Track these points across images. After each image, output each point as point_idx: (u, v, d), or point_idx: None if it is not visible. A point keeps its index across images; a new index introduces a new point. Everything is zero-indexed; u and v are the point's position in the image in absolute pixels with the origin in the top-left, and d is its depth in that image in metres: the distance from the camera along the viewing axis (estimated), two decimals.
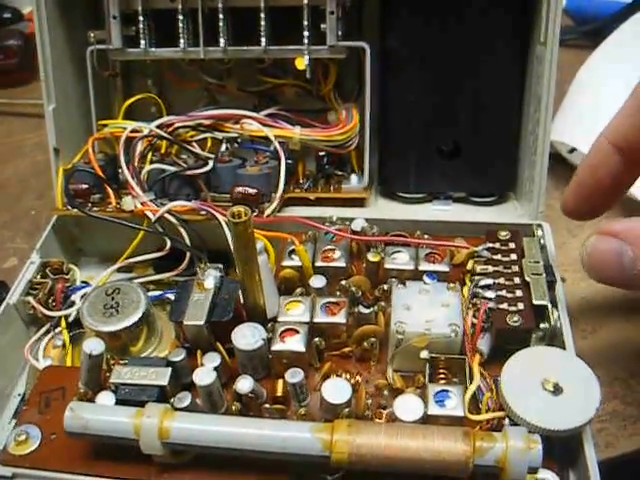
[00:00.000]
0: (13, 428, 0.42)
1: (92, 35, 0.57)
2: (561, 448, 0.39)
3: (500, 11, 0.54)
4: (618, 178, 0.44)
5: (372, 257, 0.47)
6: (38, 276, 0.53)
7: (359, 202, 0.57)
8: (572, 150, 0.67)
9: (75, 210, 0.54)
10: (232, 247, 0.42)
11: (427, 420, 0.38)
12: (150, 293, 0.50)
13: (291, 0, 0.54)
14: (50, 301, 0.51)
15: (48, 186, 0.68)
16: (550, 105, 0.51)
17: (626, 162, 0.43)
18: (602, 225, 0.41)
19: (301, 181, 0.59)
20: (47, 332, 0.50)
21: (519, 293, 0.44)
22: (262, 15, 0.54)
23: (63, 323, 0.50)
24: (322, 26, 0.53)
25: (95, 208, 0.55)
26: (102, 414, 0.38)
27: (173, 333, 0.47)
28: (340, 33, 0.54)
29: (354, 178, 0.58)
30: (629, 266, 0.38)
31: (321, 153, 0.58)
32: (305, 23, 0.54)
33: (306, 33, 0.54)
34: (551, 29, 0.50)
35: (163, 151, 0.58)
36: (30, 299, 0.51)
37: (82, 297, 0.51)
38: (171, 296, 0.51)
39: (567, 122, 0.67)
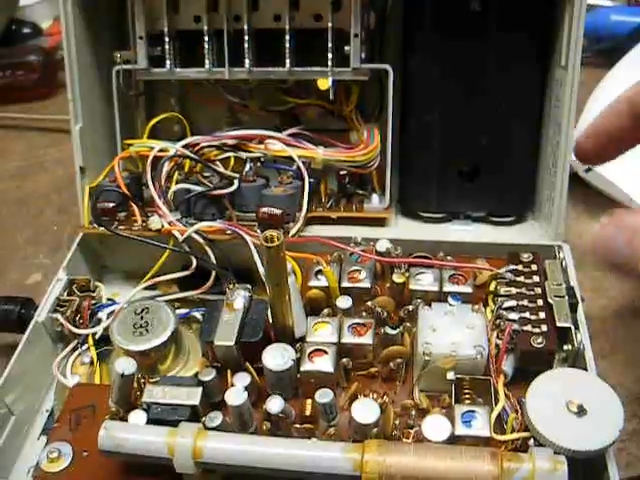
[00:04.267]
0: (45, 445, 0.42)
1: (118, 55, 0.58)
2: (584, 469, 0.39)
3: (521, 34, 0.54)
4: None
5: (397, 278, 0.48)
6: (65, 293, 0.53)
7: (380, 221, 0.58)
8: (588, 169, 0.67)
9: (102, 228, 0.54)
10: (263, 269, 0.43)
11: (454, 440, 0.39)
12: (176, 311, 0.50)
13: (315, 23, 0.55)
14: (77, 318, 0.52)
15: (70, 201, 0.69)
16: (571, 128, 0.52)
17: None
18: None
19: (323, 200, 0.59)
20: (74, 349, 0.51)
21: (542, 315, 0.45)
22: (287, 37, 0.55)
23: (90, 340, 0.51)
24: (346, 48, 0.54)
25: (121, 226, 0.55)
26: (137, 434, 0.39)
27: (200, 351, 0.48)
28: (363, 55, 0.55)
29: (375, 198, 0.59)
30: None
31: (342, 172, 0.59)
32: (329, 45, 0.54)
33: (330, 55, 0.55)
34: (572, 53, 0.51)
35: (187, 169, 0.58)
36: (58, 316, 0.51)
37: (109, 314, 0.51)
38: (197, 314, 0.51)
39: None
